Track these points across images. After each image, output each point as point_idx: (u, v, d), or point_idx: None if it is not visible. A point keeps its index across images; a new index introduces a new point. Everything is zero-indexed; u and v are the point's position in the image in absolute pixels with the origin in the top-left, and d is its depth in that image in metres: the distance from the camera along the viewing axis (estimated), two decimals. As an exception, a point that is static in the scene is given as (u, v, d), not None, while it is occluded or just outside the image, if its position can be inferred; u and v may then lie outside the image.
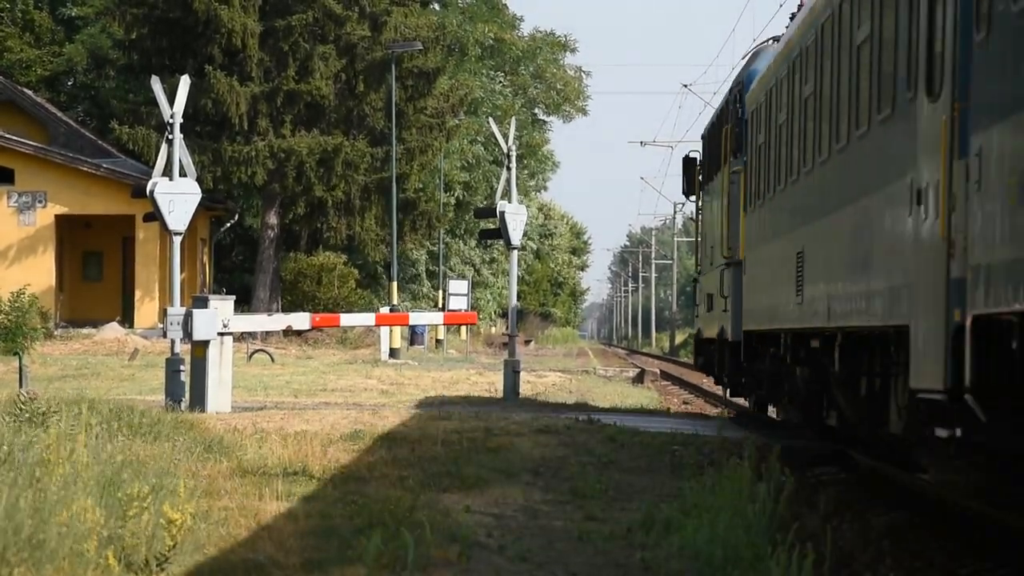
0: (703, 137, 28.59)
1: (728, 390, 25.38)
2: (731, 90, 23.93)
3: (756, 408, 23.45)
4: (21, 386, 19.55)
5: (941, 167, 9.74)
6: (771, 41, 23.00)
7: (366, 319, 30.50)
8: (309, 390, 25.84)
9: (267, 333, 45.27)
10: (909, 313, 10.65)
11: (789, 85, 17.29)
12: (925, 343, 10.12)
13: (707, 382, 31.94)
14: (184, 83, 20.50)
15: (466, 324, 54.41)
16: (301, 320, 22.59)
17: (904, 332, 10.78)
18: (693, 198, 29.02)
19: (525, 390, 25.87)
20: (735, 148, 22.54)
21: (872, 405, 13.22)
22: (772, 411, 22.17)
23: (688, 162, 28.64)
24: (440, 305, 55.48)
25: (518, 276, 26.41)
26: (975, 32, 9.20)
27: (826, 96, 14.84)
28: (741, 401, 25.36)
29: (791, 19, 19.53)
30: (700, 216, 28.09)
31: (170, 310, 19.73)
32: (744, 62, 24.24)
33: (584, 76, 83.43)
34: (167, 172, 20.07)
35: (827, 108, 14.66)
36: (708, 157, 27.00)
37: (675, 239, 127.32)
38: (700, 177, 27.87)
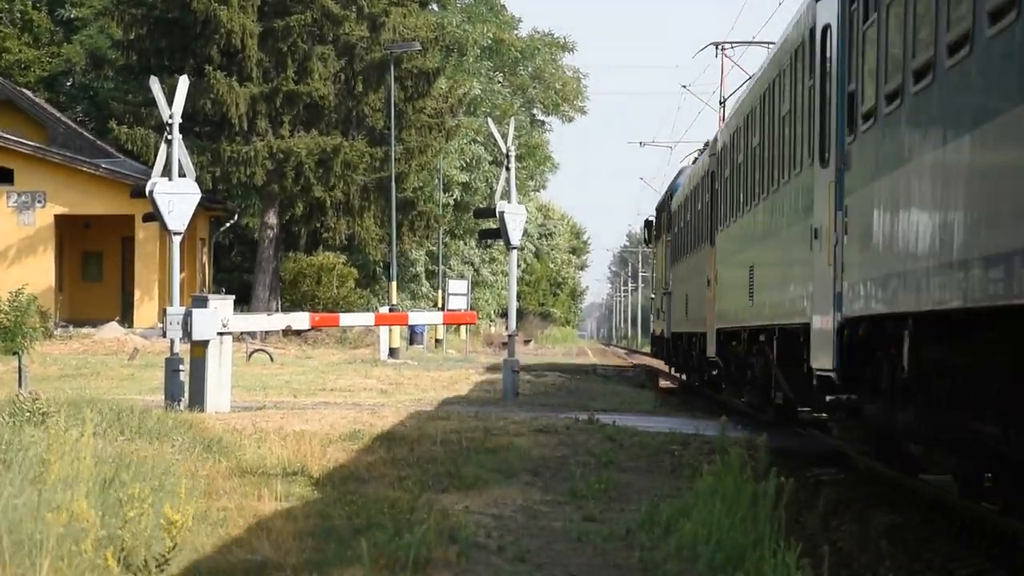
0: (656, 210, 43.82)
1: (671, 368, 40.18)
2: (665, 192, 41.27)
3: (683, 376, 36.44)
4: (21, 386, 19.55)
5: (827, 215, 14.43)
6: (696, 156, 34.58)
7: (365, 319, 30.50)
8: (308, 390, 25.83)
9: (266, 333, 45.26)
10: (810, 315, 15.39)
11: (693, 197, 30.77)
12: (821, 336, 14.77)
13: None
14: (183, 83, 20.49)
15: (465, 324, 54.43)
16: (300, 320, 22.58)
17: (807, 328, 15.50)
18: (651, 247, 46.67)
19: (524, 390, 25.86)
20: (667, 227, 38.74)
21: (795, 381, 17.42)
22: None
23: (648, 223, 45.54)
24: (440, 305, 55.49)
25: (517, 276, 26.42)
26: (847, 133, 13.48)
27: (737, 181, 22.76)
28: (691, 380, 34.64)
29: (694, 161, 33.45)
30: (654, 260, 44.16)
31: (170, 310, 19.73)
32: (674, 175, 40.21)
33: (583, 76, 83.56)
34: (166, 172, 20.08)
35: (756, 170, 20.46)
36: (656, 225, 42.80)
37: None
38: (655, 235, 43.02)
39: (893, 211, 11.36)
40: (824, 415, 16.05)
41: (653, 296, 45.24)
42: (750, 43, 42.10)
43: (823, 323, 14.60)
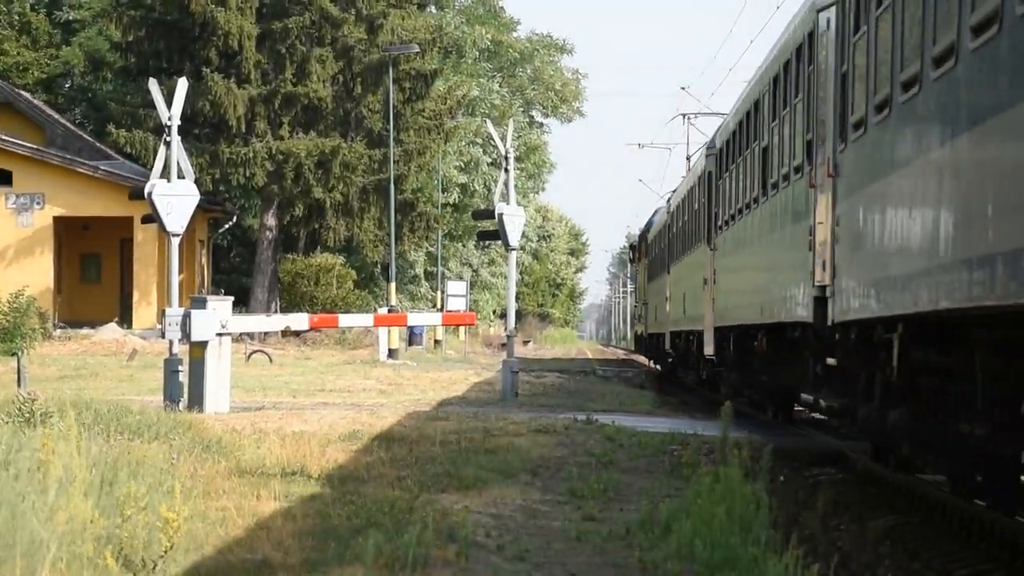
0: (639, 236, 54.25)
1: (649, 359, 50.51)
2: (645, 224, 52.15)
3: (657, 367, 46.04)
4: (20, 387, 19.55)
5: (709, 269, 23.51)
6: (667, 201, 42.72)
7: (364, 320, 30.50)
8: (307, 390, 25.83)
9: (265, 334, 45.25)
10: (704, 323, 24.83)
11: (659, 238, 42.20)
12: (707, 335, 26.57)
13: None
14: (181, 85, 20.50)
15: (464, 325, 54.41)
16: (299, 321, 22.61)
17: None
18: (634, 265, 57.93)
19: (523, 390, 25.87)
20: (645, 253, 48.81)
21: (702, 363, 29.94)
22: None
23: (632, 247, 59.53)
24: (439, 306, 55.47)
25: (516, 277, 26.43)
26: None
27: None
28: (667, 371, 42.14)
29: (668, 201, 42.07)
30: (637, 276, 55.31)
31: (168, 311, 19.74)
32: (650, 215, 51.07)
33: (581, 78, 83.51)
34: (165, 174, 20.08)
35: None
36: (638, 249, 53.06)
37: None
38: (637, 256, 53.87)
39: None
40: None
41: (636, 305, 57.58)
42: (712, 114, 51.74)
43: (708, 327, 26.30)
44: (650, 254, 46.05)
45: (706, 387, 30.66)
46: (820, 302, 14.74)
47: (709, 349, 26.27)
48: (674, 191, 37.90)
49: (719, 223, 25.49)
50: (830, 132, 14.54)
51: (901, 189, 11.17)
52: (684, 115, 53.31)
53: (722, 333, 24.98)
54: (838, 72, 14.16)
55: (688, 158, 49.39)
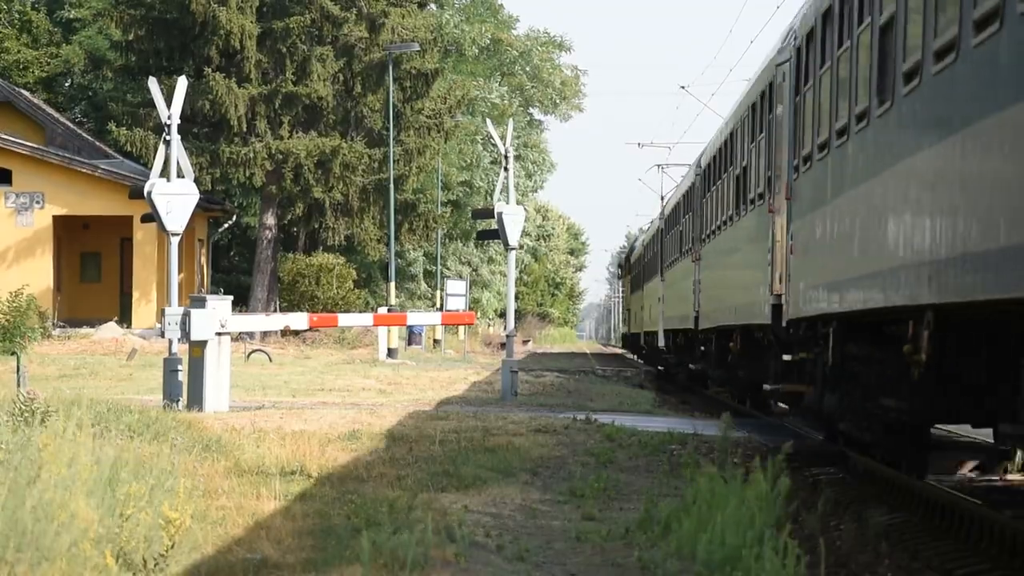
0: (624, 256, 68.54)
1: (635, 353, 60.61)
2: (629, 246, 71.46)
3: (645, 362, 52.81)
4: (19, 386, 19.54)
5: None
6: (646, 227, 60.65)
7: (364, 319, 30.49)
8: (307, 390, 25.83)
9: (265, 333, 45.25)
10: (659, 327, 40.78)
11: (637, 261, 55.37)
12: (662, 335, 40.14)
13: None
14: (181, 84, 20.49)
15: (464, 324, 54.41)
16: (299, 320, 22.60)
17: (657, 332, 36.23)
18: (620, 279, 75.47)
19: (523, 390, 25.86)
20: (628, 270, 62.28)
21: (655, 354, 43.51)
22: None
23: (619, 265, 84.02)
24: (438, 305, 55.45)
25: (515, 276, 26.42)
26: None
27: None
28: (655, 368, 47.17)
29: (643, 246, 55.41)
30: (622, 288, 69.40)
31: (168, 310, 19.73)
32: (629, 244, 75.60)
33: (580, 75, 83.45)
34: (165, 173, 20.08)
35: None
36: (624, 265, 65.97)
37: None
38: (623, 270, 65.40)
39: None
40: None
41: (623, 311, 73.80)
42: (681, 165, 57.98)
43: (660, 330, 38.32)
44: (632, 272, 59.53)
45: (664, 377, 41.55)
46: (777, 308, 17.56)
47: (661, 343, 40.17)
48: (641, 234, 56.84)
49: (666, 263, 37.48)
50: (785, 163, 17.17)
51: (834, 215, 14.00)
52: (659, 165, 61.68)
53: (705, 334, 28.51)
54: (792, 113, 16.97)
55: (662, 197, 51.83)
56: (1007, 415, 11.26)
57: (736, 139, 22.67)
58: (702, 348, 30.07)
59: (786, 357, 17.80)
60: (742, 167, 21.68)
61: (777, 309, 17.56)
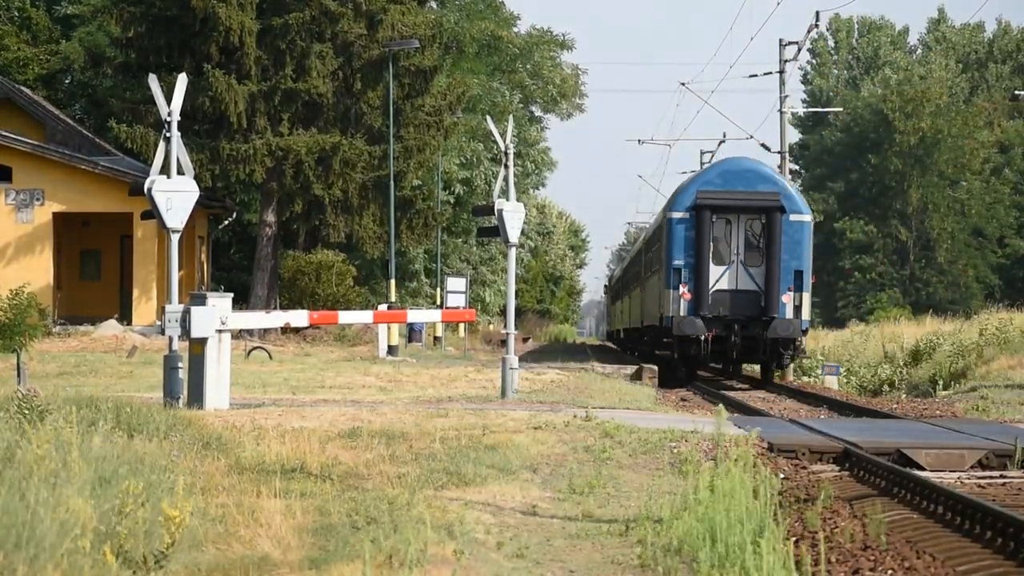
0: (608, 277, 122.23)
1: (616, 344, 78.89)
2: (613, 269, 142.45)
3: (617, 346, 76.17)
4: (19, 383, 19.55)
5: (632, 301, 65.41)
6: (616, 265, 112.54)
7: (364, 317, 30.48)
8: (307, 387, 25.84)
9: (265, 330, 45.24)
10: (616, 328, 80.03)
11: (615, 285, 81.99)
12: (611, 334, 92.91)
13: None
14: (181, 81, 20.49)
15: (464, 322, 54.45)
16: (299, 317, 22.59)
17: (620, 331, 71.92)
18: (605, 294, 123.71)
19: (523, 387, 25.87)
20: (611, 288, 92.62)
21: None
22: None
23: (605, 286, 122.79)
24: (439, 303, 55.46)
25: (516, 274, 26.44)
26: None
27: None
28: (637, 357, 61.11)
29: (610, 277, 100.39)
30: (607, 299, 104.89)
31: (168, 307, 19.73)
32: (611, 273, 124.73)
33: (581, 73, 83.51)
34: (165, 170, 20.07)
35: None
36: (609, 288, 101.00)
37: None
38: (608, 286, 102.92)
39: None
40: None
41: (607, 316, 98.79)
42: (649, 214, 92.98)
43: (623, 327, 65.35)
44: (612, 292, 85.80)
45: (623, 350, 66.40)
46: (660, 318, 40.17)
47: (622, 335, 65.36)
48: (612, 273, 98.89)
49: (626, 291, 61.71)
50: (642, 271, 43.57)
51: (628, 300, 52.50)
52: (629, 223, 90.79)
53: (639, 330, 52.35)
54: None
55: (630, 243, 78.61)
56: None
57: (644, 249, 48.94)
58: (644, 337, 49.61)
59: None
60: (646, 258, 46.32)
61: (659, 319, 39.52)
